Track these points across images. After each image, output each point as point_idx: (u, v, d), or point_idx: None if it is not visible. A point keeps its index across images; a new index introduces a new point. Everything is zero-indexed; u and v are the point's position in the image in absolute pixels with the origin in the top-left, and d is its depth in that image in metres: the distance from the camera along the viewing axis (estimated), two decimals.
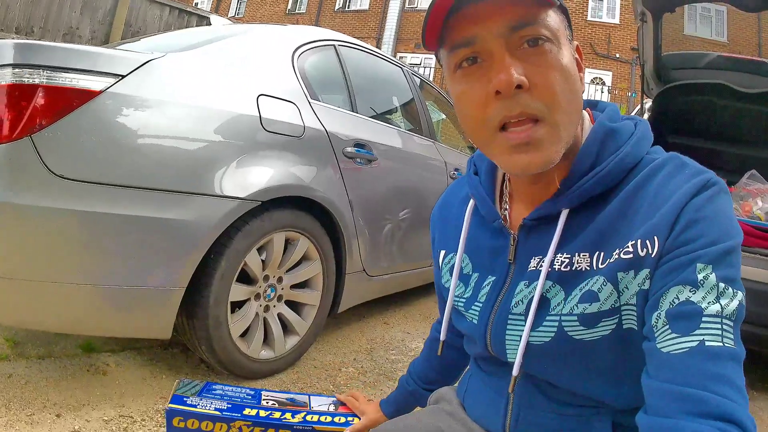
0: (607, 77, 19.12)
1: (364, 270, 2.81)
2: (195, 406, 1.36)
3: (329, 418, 1.38)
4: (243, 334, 2.21)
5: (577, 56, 0.81)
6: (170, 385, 2.13)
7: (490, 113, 0.75)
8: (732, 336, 0.67)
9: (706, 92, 3.51)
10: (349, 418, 1.39)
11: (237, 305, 2.18)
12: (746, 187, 3.30)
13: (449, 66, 0.80)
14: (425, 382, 1.27)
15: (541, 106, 0.73)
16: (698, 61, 3.65)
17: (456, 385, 1.16)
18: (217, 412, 1.34)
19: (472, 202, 0.99)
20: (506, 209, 0.93)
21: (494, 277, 0.91)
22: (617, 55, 19.28)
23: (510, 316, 0.87)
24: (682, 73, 3.67)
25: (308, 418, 1.37)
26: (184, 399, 1.38)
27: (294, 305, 2.46)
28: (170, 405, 1.34)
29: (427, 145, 3.53)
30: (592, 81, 18.79)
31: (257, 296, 2.26)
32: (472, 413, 1.02)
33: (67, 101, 1.63)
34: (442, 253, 1.05)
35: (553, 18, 0.76)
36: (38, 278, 1.66)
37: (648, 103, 3.94)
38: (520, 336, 0.84)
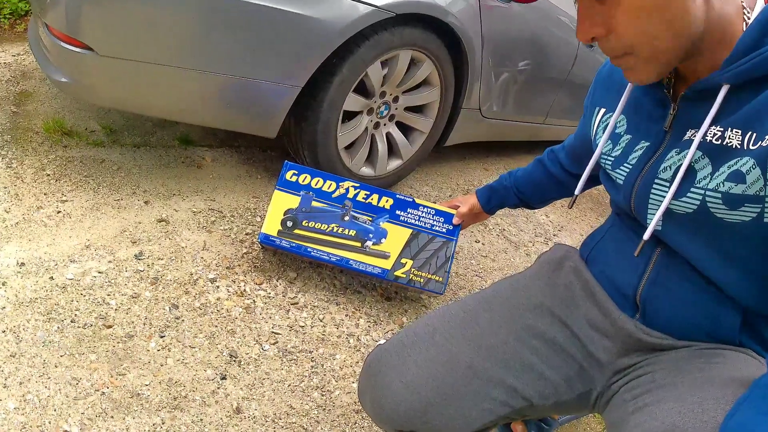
0: None
1: (479, 108, 2.69)
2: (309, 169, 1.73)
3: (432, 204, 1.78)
4: (348, 147, 2.18)
5: None
6: (264, 185, 2.15)
7: None
8: None
9: None
10: (449, 210, 1.74)
11: (347, 117, 2.14)
12: None
13: None
14: (519, 189, 1.44)
15: (624, 46, 0.78)
16: None
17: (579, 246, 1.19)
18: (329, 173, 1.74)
19: None
20: (670, 80, 0.91)
21: (648, 143, 0.92)
22: None
23: (656, 180, 0.89)
24: None
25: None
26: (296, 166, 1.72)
27: (404, 128, 2.40)
28: (287, 161, 1.71)
29: (569, 3, 3.17)
30: None
31: (370, 111, 2.20)
32: (601, 269, 1.06)
33: None
34: (601, 111, 1.06)
35: None
36: (143, 59, 1.63)
37: None
38: (662, 201, 0.87)
